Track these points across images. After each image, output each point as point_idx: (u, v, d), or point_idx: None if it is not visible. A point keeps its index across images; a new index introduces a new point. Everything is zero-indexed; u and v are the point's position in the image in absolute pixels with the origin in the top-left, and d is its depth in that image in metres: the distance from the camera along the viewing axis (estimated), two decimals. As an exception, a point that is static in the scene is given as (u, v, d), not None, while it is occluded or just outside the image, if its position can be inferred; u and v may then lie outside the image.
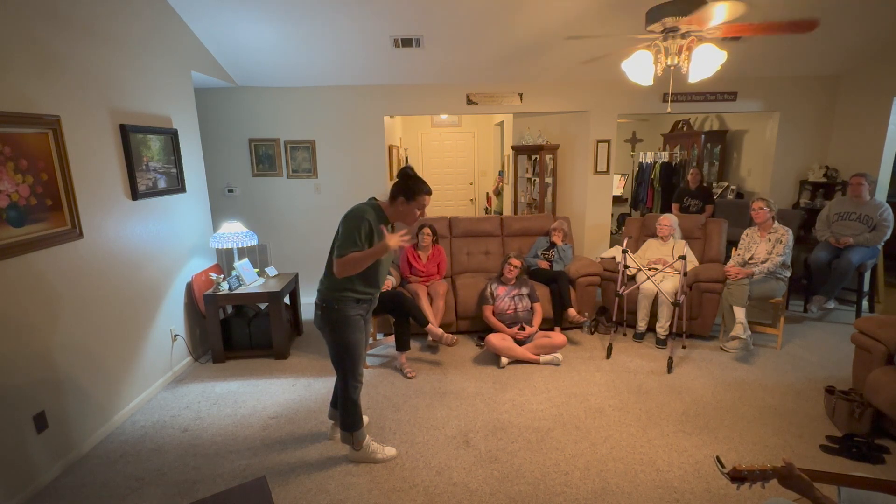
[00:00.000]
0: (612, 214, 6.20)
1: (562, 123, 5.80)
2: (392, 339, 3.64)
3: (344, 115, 4.91)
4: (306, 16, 3.69)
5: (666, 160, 7.05)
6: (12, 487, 2.24)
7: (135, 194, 3.10)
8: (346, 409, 2.44)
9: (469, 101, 4.97)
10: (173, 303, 3.55)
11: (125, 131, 3.02)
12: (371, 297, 2.41)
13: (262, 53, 4.20)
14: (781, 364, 3.55)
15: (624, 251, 3.81)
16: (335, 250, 2.18)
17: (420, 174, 2.32)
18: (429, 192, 2.30)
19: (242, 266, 3.85)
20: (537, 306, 3.84)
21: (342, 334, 2.32)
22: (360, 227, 2.17)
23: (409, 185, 2.24)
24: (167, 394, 3.29)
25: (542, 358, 3.60)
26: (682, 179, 6.53)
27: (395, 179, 2.29)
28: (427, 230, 4.14)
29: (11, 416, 2.25)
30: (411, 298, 3.70)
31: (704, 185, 5.48)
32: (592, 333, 4.21)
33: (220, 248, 3.76)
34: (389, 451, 2.55)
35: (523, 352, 3.60)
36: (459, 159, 8.77)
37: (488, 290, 3.85)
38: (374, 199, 2.34)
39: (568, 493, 2.27)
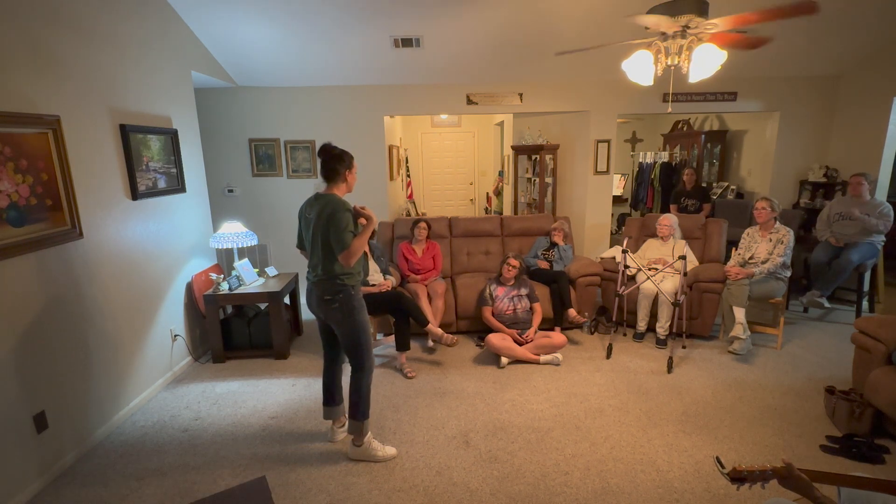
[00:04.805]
0: (612, 214, 6.21)
1: (562, 123, 5.80)
2: (392, 339, 3.64)
3: (344, 115, 4.91)
4: (306, 16, 3.69)
5: (666, 160, 7.05)
6: (12, 487, 2.23)
7: (135, 194, 3.11)
8: (361, 396, 2.51)
9: (469, 101, 4.96)
10: (173, 303, 3.55)
11: (125, 131, 3.02)
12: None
13: (262, 53, 4.20)
14: (781, 364, 3.55)
15: (624, 251, 3.81)
16: (338, 243, 2.29)
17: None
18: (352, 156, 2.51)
19: (242, 266, 3.85)
20: (537, 306, 3.84)
21: (360, 316, 2.45)
22: (350, 216, 2.33)
23: (345, 158, 2.42)
24: (167, 394, 3.30)
25: (542, 358, 3.60)
26: (680, 180, 6.54)
27: (323, 160, 2.41)
28: (423, 224, 4.20)
29: (11, 416, 2.25)
30: (411, 298, 3.70)
31: (701, 184, 5.49)
32: (592, 333, 4.21)
33: (220, 248, 3.76)
34: (389, 450, 2.56)
35: (523, 352, 3.60)
36: (459, 159, 8.76)
37: (487, 291, 3.85)
38: (319, 193, 2.42)
39: (568, 493, 2.27)
